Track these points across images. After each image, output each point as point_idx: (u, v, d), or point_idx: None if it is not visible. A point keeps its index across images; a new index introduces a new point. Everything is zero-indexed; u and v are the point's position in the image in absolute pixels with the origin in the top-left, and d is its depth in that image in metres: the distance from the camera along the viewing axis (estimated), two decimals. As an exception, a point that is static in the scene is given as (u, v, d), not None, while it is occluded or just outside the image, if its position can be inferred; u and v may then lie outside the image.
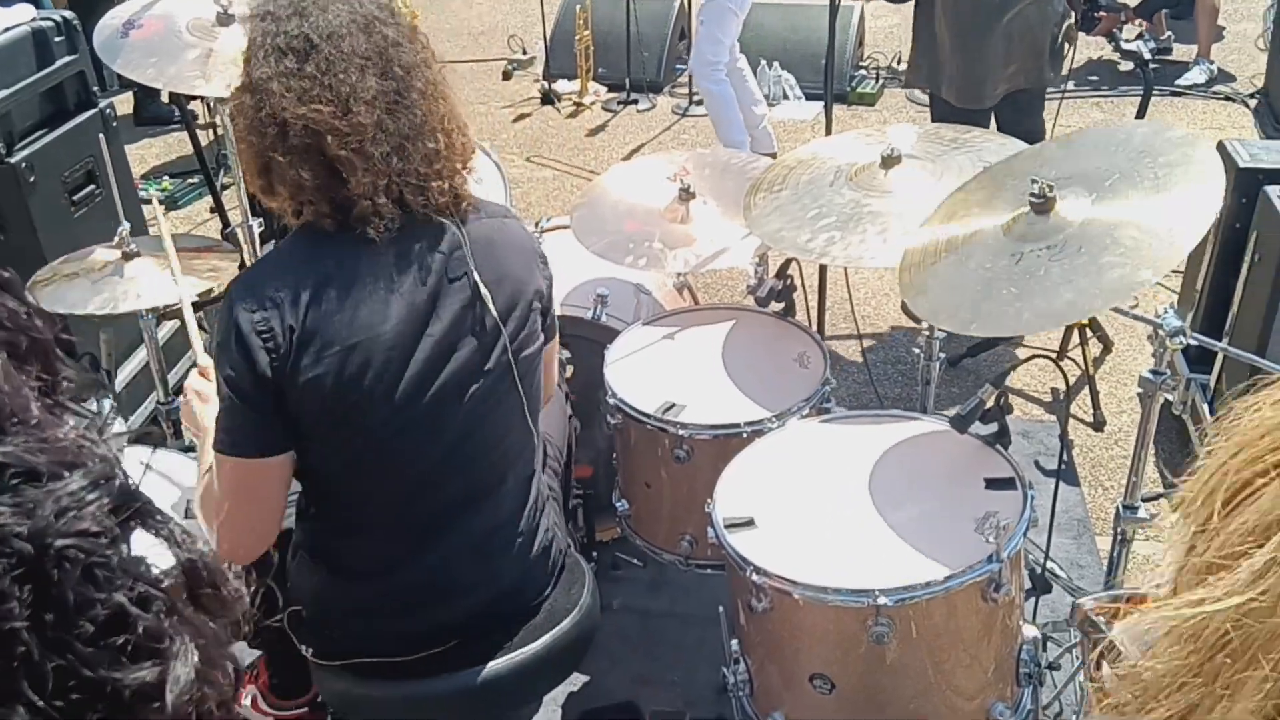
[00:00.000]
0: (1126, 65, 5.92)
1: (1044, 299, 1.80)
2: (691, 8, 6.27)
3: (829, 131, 3.49)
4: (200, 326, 3.18)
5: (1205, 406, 3.09)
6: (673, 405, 2.30)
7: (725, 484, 2.06)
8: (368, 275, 1.64)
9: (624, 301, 2.80)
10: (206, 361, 1.95)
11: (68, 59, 3.24)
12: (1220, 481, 0.58)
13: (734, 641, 2.03)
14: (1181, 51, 6.32)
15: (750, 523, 1.95)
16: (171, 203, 5.24)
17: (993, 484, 1.95)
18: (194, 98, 3.80)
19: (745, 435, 2.23)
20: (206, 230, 4.80)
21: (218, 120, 4.32)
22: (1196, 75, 6.02)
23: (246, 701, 2.53)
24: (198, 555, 0.50)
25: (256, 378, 1.59)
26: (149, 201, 5.12)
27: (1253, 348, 2.76)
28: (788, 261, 2.68)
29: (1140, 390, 2.02)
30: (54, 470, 0.44)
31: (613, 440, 2.49)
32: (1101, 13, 4.77)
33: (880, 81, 6.32)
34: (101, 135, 3.18)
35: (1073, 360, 3.60)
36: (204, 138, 4.65)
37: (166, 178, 5.44)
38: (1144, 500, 2.13)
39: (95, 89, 3.38)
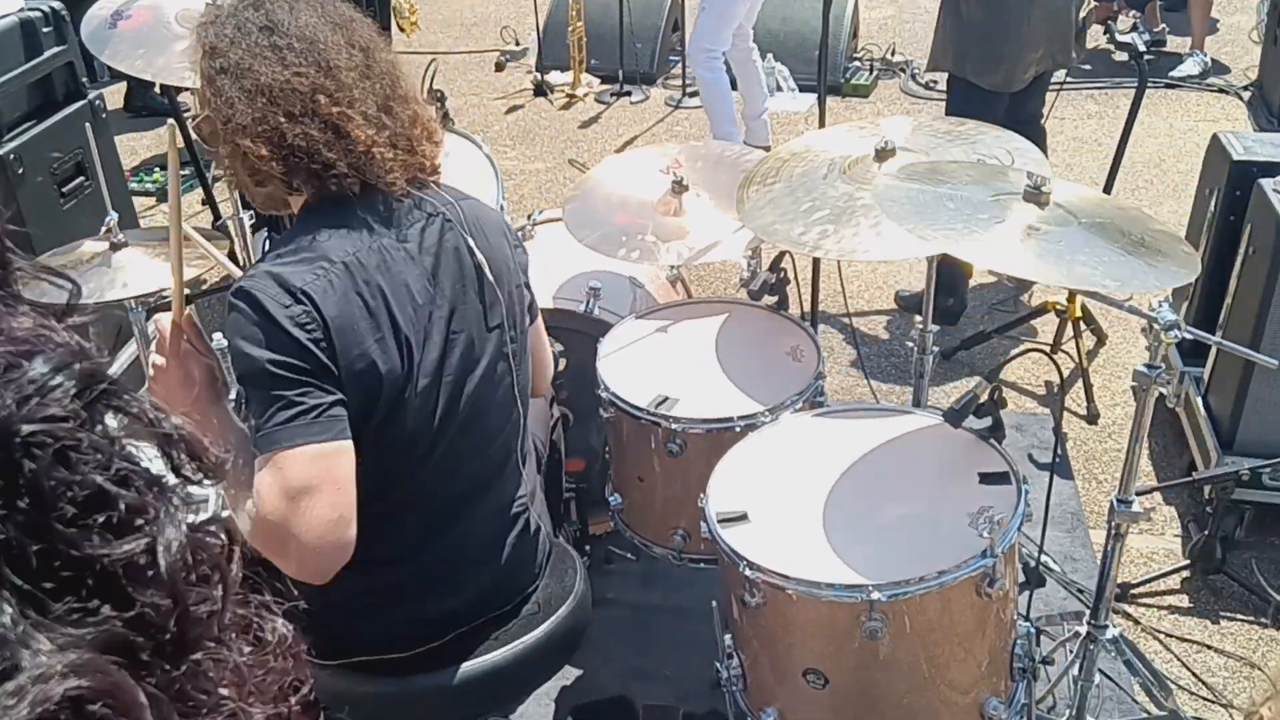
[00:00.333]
0: (1121, 55, 5.92)
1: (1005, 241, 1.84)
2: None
3: (823, 124, 3.47)
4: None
5: (1199, 400, 3.09)
6: (665, 399, 2.29)
7: (718, 478, 2.05)
8: (381, 256, 1.64)
9: (617, 295, 2.79)
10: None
11: (56, 50, 3.22)
12: None
13: (727, 636, 2.03)
14: (1175, 43, 6.32)
15: (743, 517, 1.94)
16: (163, 194, 5.22)
17: (987, 478, 1.95)
18: (185, 89, 3.77)
19: (738, 429, 2.22)
20: (198, 222, 4.77)
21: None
22: (1190, 67, 6.01)
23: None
24: (172, 429, 0.50)
25: (315, 364, 1.55)
26: (146, 194, 5.12)
27: (1246, 341, 2.75)
28: (781, 254, 2.67)
29: (1134, 384, 2.02)
30: (10, 360, 0.44)
31: (605, 433, 2.48)
32: (1095, 1, 4.76)
33: (874, 73, 6.30)
34: (90, 126, 3.16)
35: (1066, 353, 3.60)
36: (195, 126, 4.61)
37: (158, 169, 5.41)
38: (1138, 494, 2.13)
39: (84, 80, 3.35)
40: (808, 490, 1.99)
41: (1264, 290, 2.76)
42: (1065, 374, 3.46)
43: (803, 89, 6.10)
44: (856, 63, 6.38)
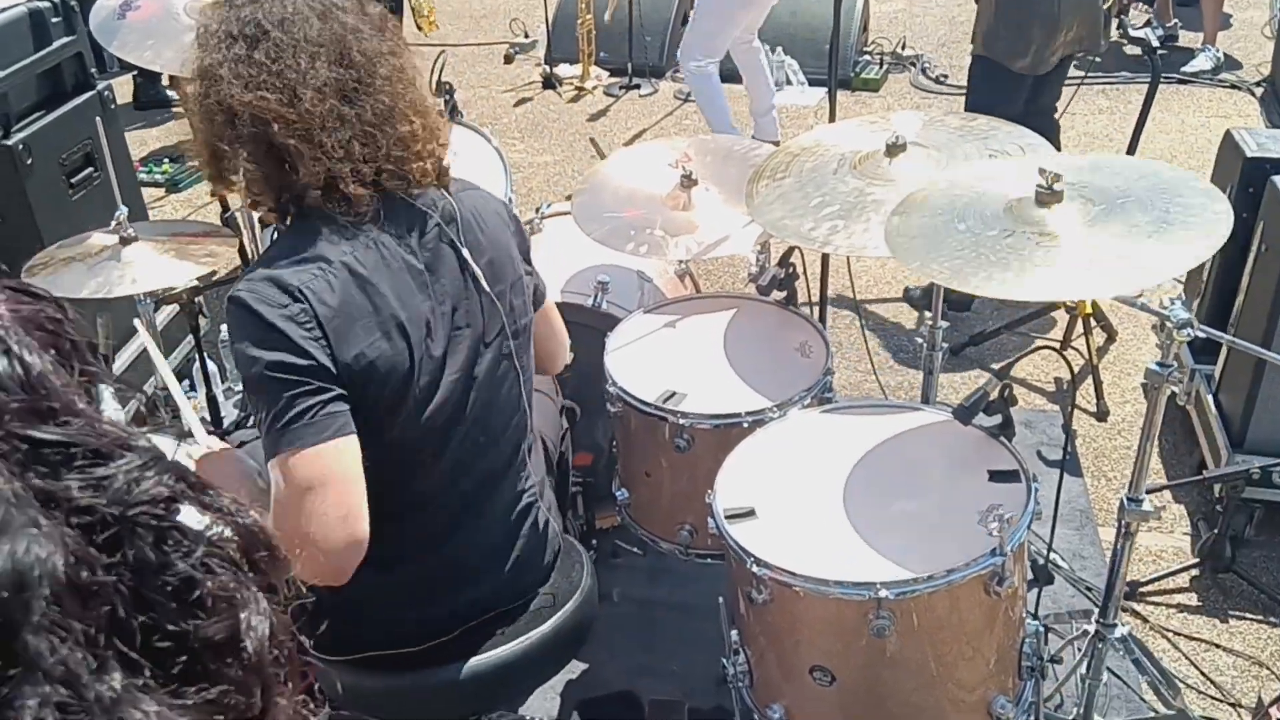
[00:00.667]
0: (1132, 49, 5.88)
1: (1014, 272, 1.81)
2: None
3: (832, 118, 3.46)
4: (201, 312, 3.17)
5: (1209, 398, 3.08)
6: (673, 394, 2.29)
7: (726, 474, 2.04)
8: (379, 254, 1.63)
9: (625, 289, 2.78)
10: (202, 437, 1.87)
11: (65, 40, 3.22)
12: None
13: (734, 632, 2.02)
14: (1187, 38, 6.28)
15: (751, 513, 1.93)
16: (172, 186, 5.23)
17: (996, 476, 1.93)
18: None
19: (746, 425, 2.21)
20: (206, 214, 4.78)
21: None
22: (1202, 62, 5.97)
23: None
24: (251, 522, 0.54)
25: (313, 363, 1.55)
26: (155, 185, 5.12)
27: (1258, 339, 2.74)
28: (790, 249, 2.66)
29: (1145, 382, 2.00)
30: (112, 451, 0.48)
31: (612, 428, 2.48)
32: None
33: (884, 68, 6.28)
34: (99, 118, 3.16)
35: (1076, 350, 3.58)
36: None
37: (167, 160, 5.41)
38: (1147, 492, 2.12)
39: (94, 71, 3.35)
40: (816, 487, 1.98)
41: (1276, 288, 2.75)
42: (1075, 370, 3.44)
43: (812, 83, 6.08)
44: (866, 57, 6.35)
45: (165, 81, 5.93)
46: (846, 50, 6.00)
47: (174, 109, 5.96)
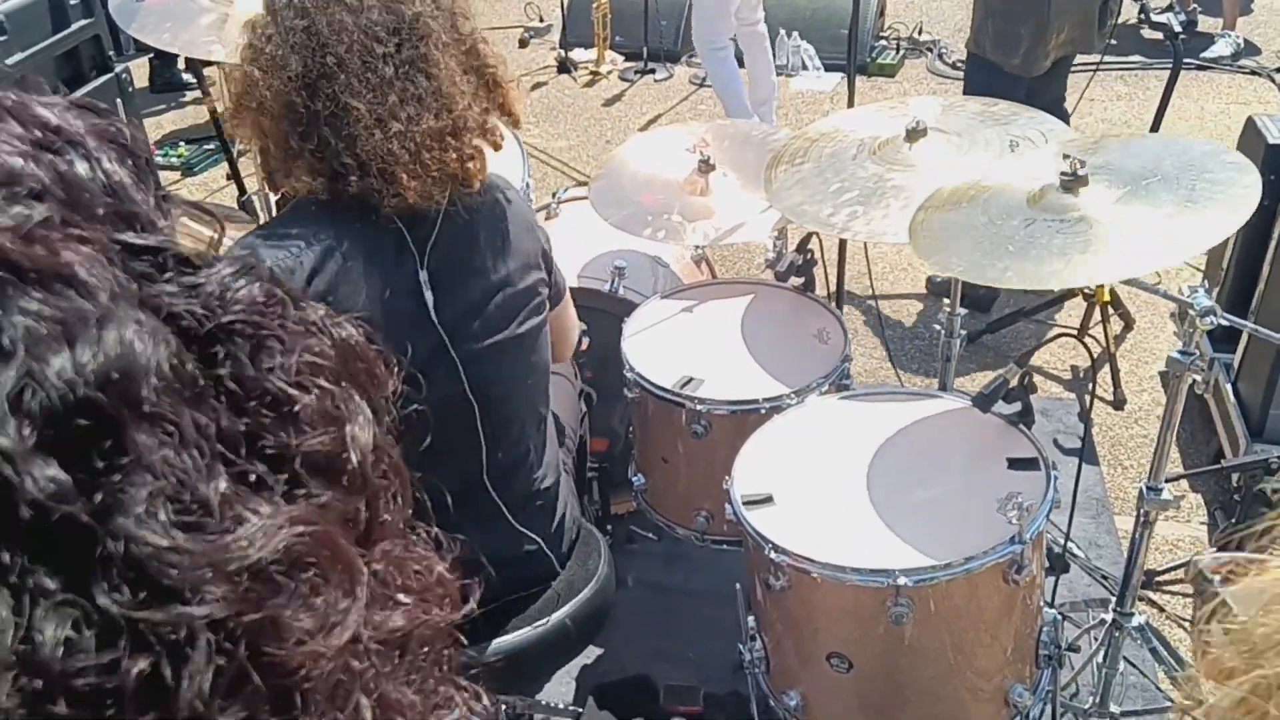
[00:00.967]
0: (1151, 33, 5.83)
1: (1032, 262, 1.81)
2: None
3: (851, 103, 3.44)
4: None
5: (1228, 386, 3.06)
6: (691, 380, 2.28)
7: (743, 460, 2.04)
8: (365, 244, 1.63)
9: (642, 274, 2.78)
10: None
11: (83, 23, 3.22)
12: None
13: (750, 618, 2.02)
14: (1207, 23, 6.23)
15: (769, 500, 1.93)
16: (188, 169, 5.23)
17: (1015, 464, 1.93)
18: (210, 63, 3.77)
19: (764, 411, 2.21)
20: (222, 197, 4.78)
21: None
22: (1222, 48, 5.92)
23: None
24: (348, 334, 0.53)
25: None
26: (171, 168, 5.13)
27: (1279, 327, 2.72)
28: (808, 236, 2.65)
29: (1166, 371, 1.99)
30: (200, 260, 0.47)
31: (629, 414, 2.48)
32: None
33: (901, 53, 6.24)
34: (118, 100, 3.17)
35: (1094, 337, 3.57)
36: (220, 104, 4.62)
37: (182, 143, 5.42)
38: (1165, 481, 2.11)
39: (111, 53, 3.35)
40: (834, 473, 1.98)
41: (1298, 276, 2.73)
42: (1094, 358, 3.43)
43: (828, 68, 6.04)
44: (883, 41, 6.31)
45: (181, 65, 5.92)
46: (863, 35, 5.96)
47: (189, 92, 5.96)
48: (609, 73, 6.28)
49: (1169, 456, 2.08)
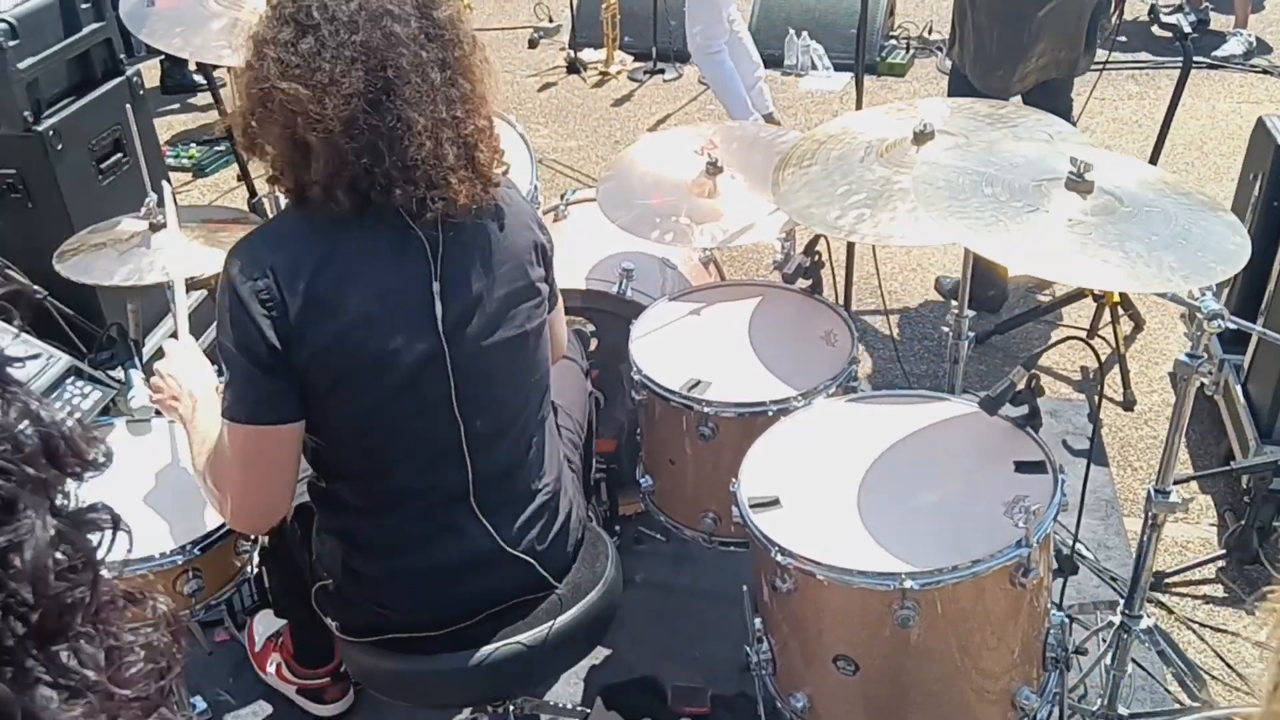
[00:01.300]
0: (1161, 31, 5.80)
1: (1020, 243, 1.81)
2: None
3: (859, 104, 3.43)
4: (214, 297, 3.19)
5: (1238, 388, 3.05)
6: (698, 382, 2.29)
7: (750, 463, 2.04)
8: (362, 252, 1.64)
9: (649, 276, 2.78)
10: (187, 339, 2.04)
11: (95, 26, 3.23)
12: None
13: (757, 620, 2.03)
14: (1219, 22, 6.20)
15: (775, 502, 1.94)
16: (199, 170, 5.25)
17: (1023, 467, 1.93)
18: (221, 67, 3.80)
19: (771, 414, 2.22)
20: (233, 198, 4.80)
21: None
22: (1234, 47, 5.89)
23: (271, 669, 2.55)
24: (53, 426, 0.51)
25: (266, 345, 1.60)
26: (182, 169, 5.16)
27: (1289, 329, 2.71)
28: (816, 237, 2.65)
29: (1175, 373, 1.99)
30: None
31: (636, 415, 2.48)
32: None
33: (910, 52, 6.23)
34: (129, 104, 3.18)
35: (1103, 339, 3.56)
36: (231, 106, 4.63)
37: (194, 144, 5.44)
38: (1175, 483, 2.10)
39: (122, 57, 3.36)
40: (841, 476, 1.99)
41: (1308, 277, 2.72)
42: (1102, 359, 3.42)
43: (837, 68, 6.04)
44: (893, 41, 6.30)
45: (192, 67, 5.95)
46: (873, 35, 5.96)
47: (200, 93, 5.98)
48: (618, 73, 6.28)
49: (1177, 459, 2.08)
